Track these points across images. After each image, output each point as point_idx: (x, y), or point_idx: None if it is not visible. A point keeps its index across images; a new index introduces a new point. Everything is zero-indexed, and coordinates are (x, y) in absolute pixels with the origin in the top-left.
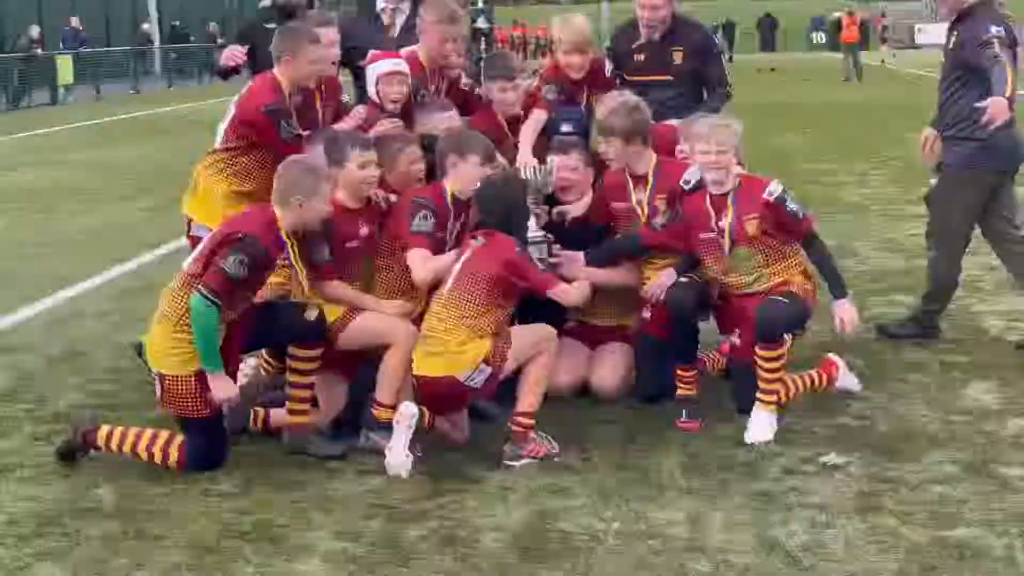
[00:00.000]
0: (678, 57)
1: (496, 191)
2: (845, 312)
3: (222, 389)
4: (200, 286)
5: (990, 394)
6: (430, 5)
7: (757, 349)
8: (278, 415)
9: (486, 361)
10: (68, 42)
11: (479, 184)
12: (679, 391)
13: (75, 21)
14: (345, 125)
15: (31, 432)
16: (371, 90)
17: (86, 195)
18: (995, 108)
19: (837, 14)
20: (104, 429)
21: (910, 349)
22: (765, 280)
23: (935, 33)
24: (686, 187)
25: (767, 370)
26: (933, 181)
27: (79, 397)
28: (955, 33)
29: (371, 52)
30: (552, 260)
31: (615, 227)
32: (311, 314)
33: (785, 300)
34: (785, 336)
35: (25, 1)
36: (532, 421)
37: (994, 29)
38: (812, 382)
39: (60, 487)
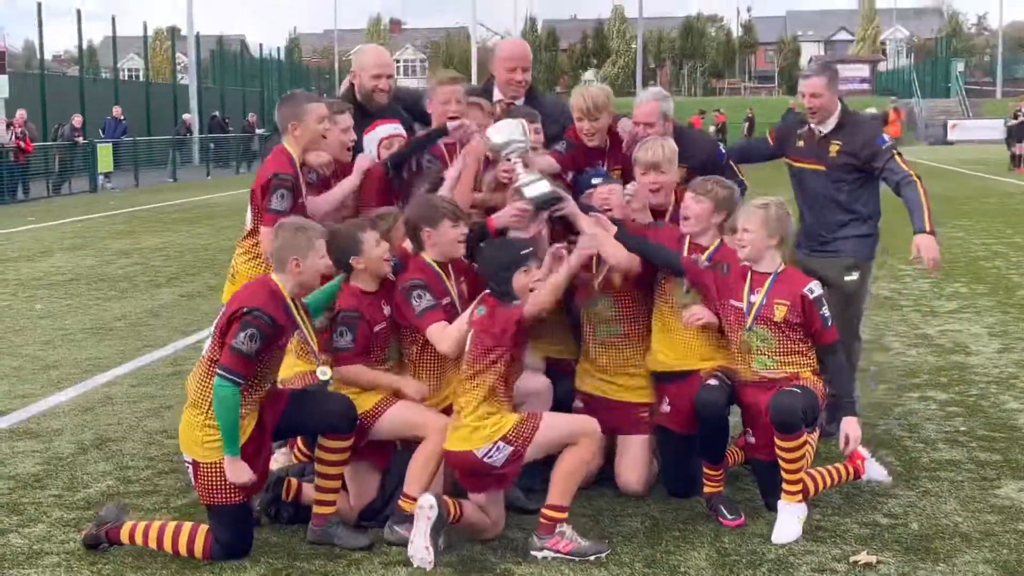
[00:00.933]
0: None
1: (488, 255)
2: (852, 429)
3: (238, 473)
4: (218, 368)
5: (1022, 493)
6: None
7: (776, 441)
8: (309, 491)
9: (505, 439)
10: (109, 131)
11: (480, 249)
12: (707, 488)
13: (117, 111)
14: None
15: (60, 518)
16: (372, 153)
17: (121, 281)
18: (929, 253)
19: (871, 109)
20: (127, 526)
21: (943, 447)
22: (774, 367)
23: (970, 128)
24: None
25: (788, 461)
26: (848, 278)
27: (110, 484)
28: (838, 142)
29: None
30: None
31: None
32: (323, 373)
33: (798, 390)
34: (803, 427)
35: (69, 91)
36: (561, 515)
37: (888, 139)
38: (839, 476)
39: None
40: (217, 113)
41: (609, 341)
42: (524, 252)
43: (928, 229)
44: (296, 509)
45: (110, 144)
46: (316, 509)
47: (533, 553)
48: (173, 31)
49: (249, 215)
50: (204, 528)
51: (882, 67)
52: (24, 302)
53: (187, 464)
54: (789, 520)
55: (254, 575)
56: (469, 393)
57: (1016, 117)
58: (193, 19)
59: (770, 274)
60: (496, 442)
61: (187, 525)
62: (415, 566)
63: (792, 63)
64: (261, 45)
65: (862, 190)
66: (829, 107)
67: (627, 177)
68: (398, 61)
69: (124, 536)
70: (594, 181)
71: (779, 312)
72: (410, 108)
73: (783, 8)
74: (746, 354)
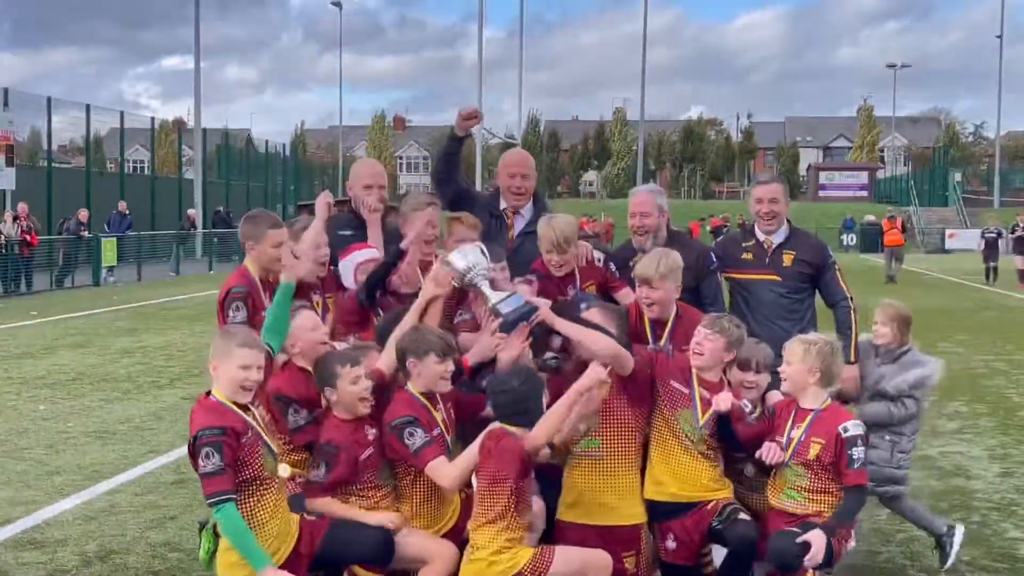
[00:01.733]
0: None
1: (511, 388)
2: (815, 540)
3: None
4: (206, 500)
5: None
6: (410, 197)
7: None
8: None
9: (520, 575)
10: (114, 225)
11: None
12: None
13: (123, 205)
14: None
15: None
16: (348, 280)
17: (124, 382)
18: (852, 384)
19: (870, 217)
20: None
21: None
22: (803, 502)
23: (968, 238)
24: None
25: None
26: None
27: None
28: (791, 251)
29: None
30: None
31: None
32: (283, 470)
33: (798, 531)
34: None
35: (75, 184)
36: None
37: (832, 254)
38: None
39: None
40: (221, 208)
41: (585, 455)
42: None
43: (853, 360)
44: None
45: (115, 238)
46: None
47: None
48: (179, 124)
49: None
50: None
51: (880, 174)
52: (28, 402)
53: None
54: None
55: None
56: (484, 527)
57: (1013, 231)
58: (200, 113)
59: (812, 411)
60: None
61: None
62: None
63: (790, 168)
64: (267, 141)
65: (809, 300)
66: (783, 215)
67: (600, 291)
68: (401, 158)
69: None
70: (583, 305)
71: (813, 450)
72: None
73: (782, 115)
74: (777, 491)
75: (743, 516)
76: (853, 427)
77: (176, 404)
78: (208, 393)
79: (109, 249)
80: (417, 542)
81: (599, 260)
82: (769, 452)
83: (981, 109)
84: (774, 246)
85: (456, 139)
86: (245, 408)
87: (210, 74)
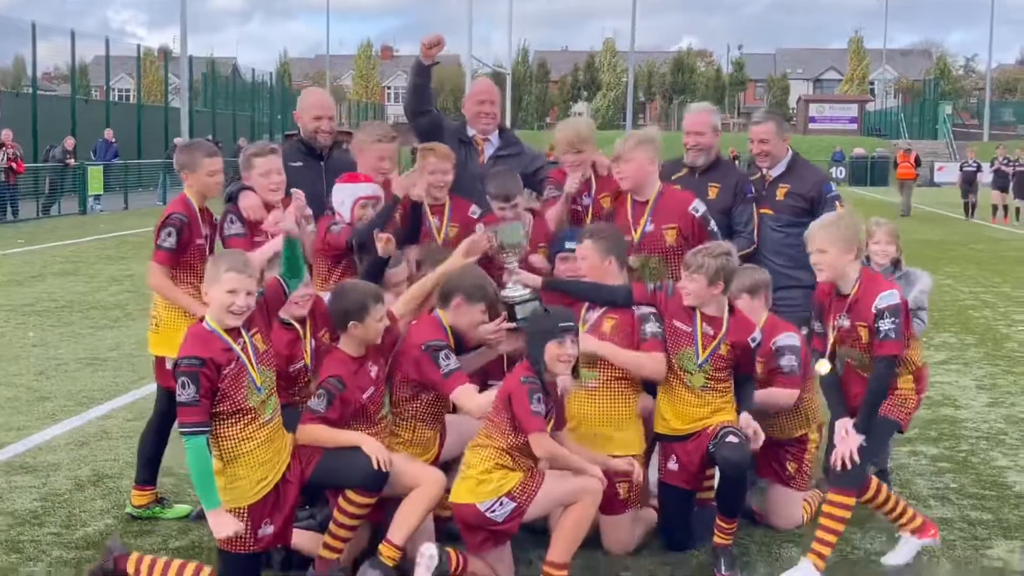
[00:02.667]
0: (712, 193)
1: (531, 320)
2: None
3: (220, 526)
4: (178, 427)
5: (1014, 555)
6: (367, 126)
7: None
8: (302, 538)
9: (510, 495)
10: (100, 153)
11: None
12: (717, 540)
13: (109, 133)
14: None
15: (59, 557)
16: (343, 206)
17: (113, 309)
18: None
19: (859, 150)
20: (134, 556)
21: (934, 503)
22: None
23: (956, 171)
24: (752, 342)
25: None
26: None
27: (108, 523)
28: (785, 185)
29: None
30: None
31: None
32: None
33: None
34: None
35: (60, 112)
36: (561, 572)
37: (835, 189)
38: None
39: None
40: (210, 137)
41: (582, 387)
42: (563, 325)
43: None
44: (287, 554)
45: (101, 166)
46: (322, 553)
47: None
48: (166, 53)
49: None
50: (208, 570)
51: (870, 107)
52: (16, 329)
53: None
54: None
55: None
56: (478, 448)
57: (993, 164)
58: (187, 41)
59: (847, 296)
60: (500, 497)
61: (191, 565)
62: None
63: (781, 100)
64: (254, 70)
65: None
66: (777, 153)
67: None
68: (388, 88)
69: (131, 567)
70: (568, 245)
71: (863, 335)
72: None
73: (773, 46)
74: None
75: (732, 439)
76: (883, 298)
77: None
78: (203, 319)
79: (96, 177)
80: (407, 469)
81: None
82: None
83: (972, 42)
84: (771, 179)
85: (423, 68)
86: (237, 335)
87: (196, 2)
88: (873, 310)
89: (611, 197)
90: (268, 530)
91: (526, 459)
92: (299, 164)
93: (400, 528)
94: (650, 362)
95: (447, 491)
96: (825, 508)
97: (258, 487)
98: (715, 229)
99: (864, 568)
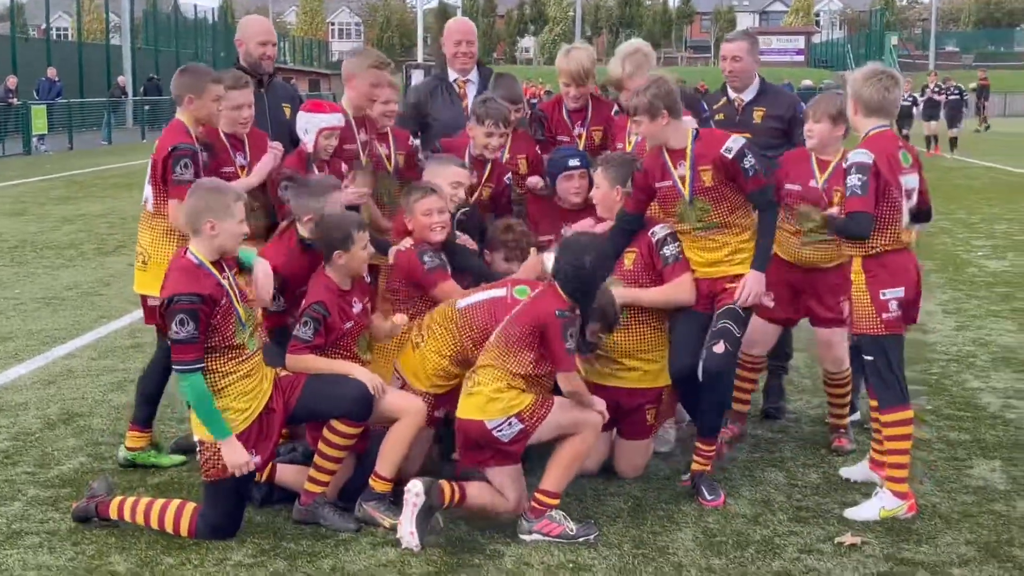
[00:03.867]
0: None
1: (582, 265)
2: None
3: (233, 456)
4: (173, 365)
5: (995, 473)
6: (358, 54)
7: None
8: (284, 472)
9: (519, 416)
10: (43, 92)
11: (568, 243)
12: (695, 465)
13: (52, 71)
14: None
15: (36, 496)
16: (307, 135)
17: (68, 249)
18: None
19: (807, 82)
20: (116, 501)
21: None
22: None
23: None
24: (728, 155)
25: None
26: None
27: (82, 461)
28: (761, 108)
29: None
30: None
31: (663, 208)
32: (399, 319)
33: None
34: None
35: (2, 52)
36: (553, 500)
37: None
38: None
39: (71, 556)
40: (154, 75)
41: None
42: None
43: None
44: (270, 490)
45: (44, 106)
46: (308, 486)
47: (522, 536)
48: None
49: (149, 194)
50: (191, 506)
51: (816, 39)
52: None
53: (197, 444)
54: (873, 506)
55: (240, 556)
56: (494, 371)
57: (923, 93)
58: None
59: (830, 162)
60: (509, 417)
61: (174, 503)
62: (402, 547)
63: (727, 33)
64: (196, 6)
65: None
66: (750, 72)
67: (607, 137)
68: (333, 24)
69: (113, 511)
70: (571, 163)
71: (836, 197)
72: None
73: None
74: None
75: (719, 347)
76: (851, 155)
77: (124, 271)
78: (186, 251)
79: (39, 117)
80: (391, 400)
81: None
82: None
83: None
84: (744, 103)
85: None
86: (221, 269)
87: None
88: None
89: (600, 132)
90: (255, 459)
91: (539, 386)
92: None
93: (387, 461)
94: (676, 292)
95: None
96: (886, 432)
97: (242, 417)
98: (749, 166)
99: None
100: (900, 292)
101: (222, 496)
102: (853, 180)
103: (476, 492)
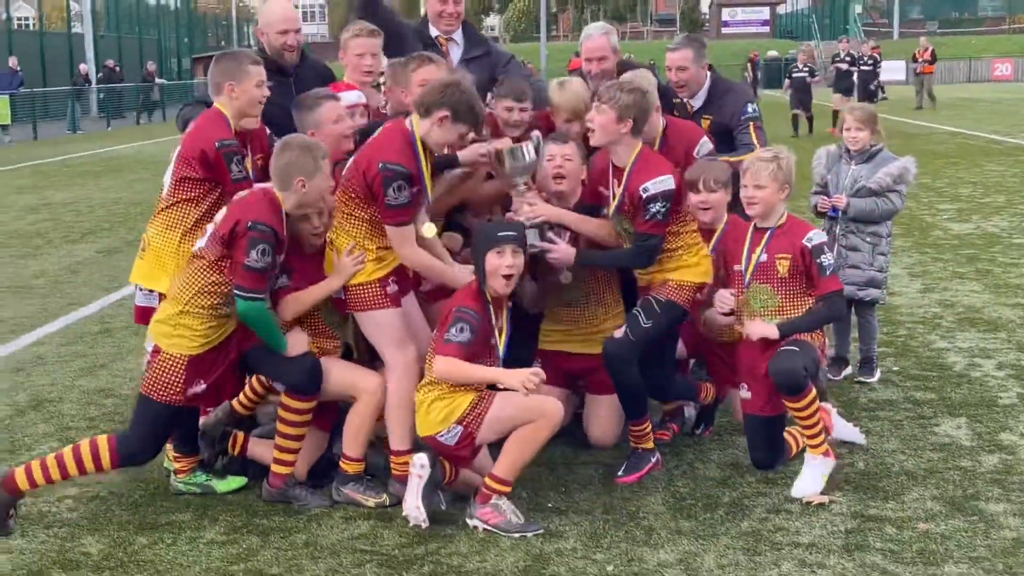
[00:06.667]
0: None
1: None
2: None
3: (297, 345)
4: (237, 290)
5: (960, 430)
6: (348, 26)
7: (787, 403)
8: (256, 447)
9: (459, 421)
10: (4, 83)
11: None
12: (632, 444)
13: (13, 61)
14: None
15: None
16: None
17: (34, 238)
18: None
19: (772, 53)
20: (19, 472)
21: (878, 387)
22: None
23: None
24: (644, 194)
25: (803, 418)
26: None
27: (52, 446)
28: (708, 116)
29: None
30: (543, 244)
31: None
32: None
33: (796, 348)
34: (808, 384)
35: None
36: (503, 488)
37: (752, 109)
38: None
39: (43, 539)
40: (111, 62)
41: (573, 303)
42: (503, 234)
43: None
44: (243, 464)
45: (7, 96)
46: (275, 468)
47: (467, 520)
48: None
49: (168, 183)
50: (103, 437)
51: (781, 10)
52: None
53: (147, 349)
54: (813, 475)
55: (213, 533)
56: (426, 386)
57: (834, 61)
58: None
59: (768, 229)
60: (450, 426)
61: (84, 442)
62: (411, 524)
63: (693, 6)
64: None
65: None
66: (697, 79)
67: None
68: (296, 6)
69: (22, 482)
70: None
71: (782, 267)
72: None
73: None
74: (748, 314)
75: (616, 333)
76: (816, 236)
77: (92, 258)
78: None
79: (2, 107)
80: (342, 375)
81: None
82: (721, 301)
83: None
84: (694, 110)
85: None
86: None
87: None
88: (805, 242)
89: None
90: (198, 388)
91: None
92: (269, 84)
93: (352, 442)
94: (603, 229)
95: None
96: (794, 415)
97: (205, 341)
98: (652, 209)
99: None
100: None
101: (149, 417)
102: (828, 259)
103: (464, 473)
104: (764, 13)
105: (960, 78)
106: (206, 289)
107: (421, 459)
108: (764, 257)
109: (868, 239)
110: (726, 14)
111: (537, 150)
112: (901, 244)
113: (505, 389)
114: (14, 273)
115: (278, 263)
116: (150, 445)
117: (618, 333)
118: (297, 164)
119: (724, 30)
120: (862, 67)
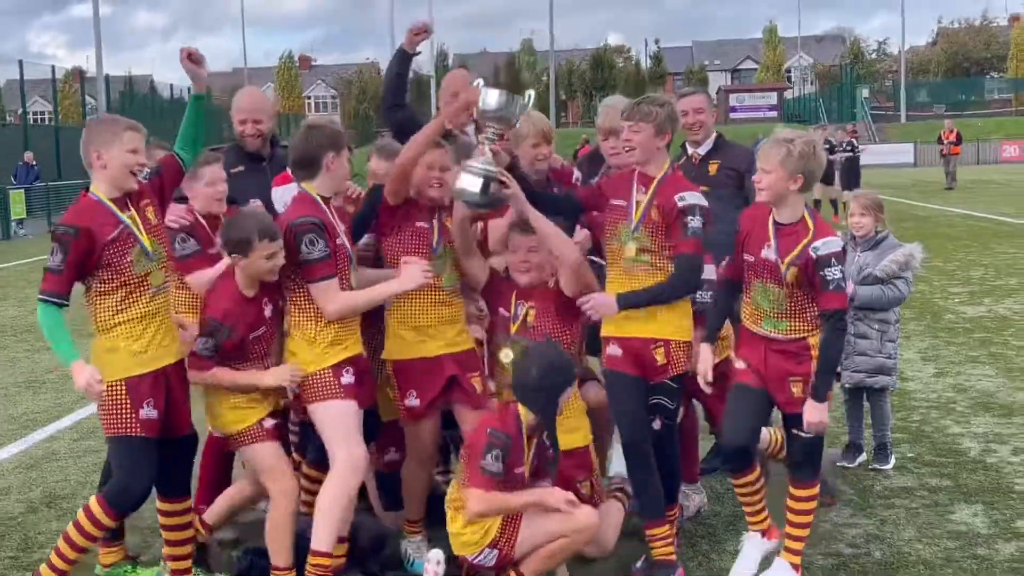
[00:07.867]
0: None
1: (537, 373)
2: (813, 415)
3: (78, 374)
4: (40, 293)
5: (977, 517)
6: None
7: (791, 490)
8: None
9: (492, 544)
10: (21, 177)
11: (520, 352)
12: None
13: (29, 156)
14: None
15: None
16: (280, 207)
17: None
18: None
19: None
20: (43, 568)
21: (893, 473)
22: (785, 330)
23: (878, 153)
24: (680, 203)
25: (746, 495)
26: None
27: None
28: (716, 160)
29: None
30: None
31: (606, 227)
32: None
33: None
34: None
35: None
36: None
37: None
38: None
39: None
40: None
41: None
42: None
43: None
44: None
45: (22, 190)
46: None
47: None
48: (81, 73)
49: None
50: (92, 499)
51: (789, 94)
52: None
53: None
54: (750, 555)
55: None
56: (458, 510)
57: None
58: (102, 59)
59: (781, 226)
60: (483, 549)
61: (79, 512)
62: None
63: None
64: (172, 86)
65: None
66: (709, 125)
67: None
68: (308, 97)
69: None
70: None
71: (790, 273)
72: None
73: (689, 39)
74: (757, 317)
75: (655, 425)
76: (826, 245)
77: None
78: (87, 190)
79: (17, 201)
80: (266, 456)
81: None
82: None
83: (883, 28)
84: (700, 157)
85: (406, 57)
86: (124, 206)
87: (117, 21)
88: (811, 251)
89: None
90: (151, 413)
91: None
92: (240, 169)
93: (279, 552)
94: (565, 243)
95: None
96: (791, 504)
97: (135, 360)
98: (692, 224)
99: (832, 541)
100: None
101: (122, 448)
102: (833, 273)
103: None
104: (772, 98)
105: (969, 160)
106: (96, 313)
107: (437, 555)
108: (773, 256)
109: (876, 326)
110: (733, 100)
111: (527, 105)
112: (914, 328)
113: None
114: (28, 368)
115: (99, 256)
116: (135, 478)
117: (655, 425)
118: (94, 138)
119: (732, 115)
120: (843, 153)
